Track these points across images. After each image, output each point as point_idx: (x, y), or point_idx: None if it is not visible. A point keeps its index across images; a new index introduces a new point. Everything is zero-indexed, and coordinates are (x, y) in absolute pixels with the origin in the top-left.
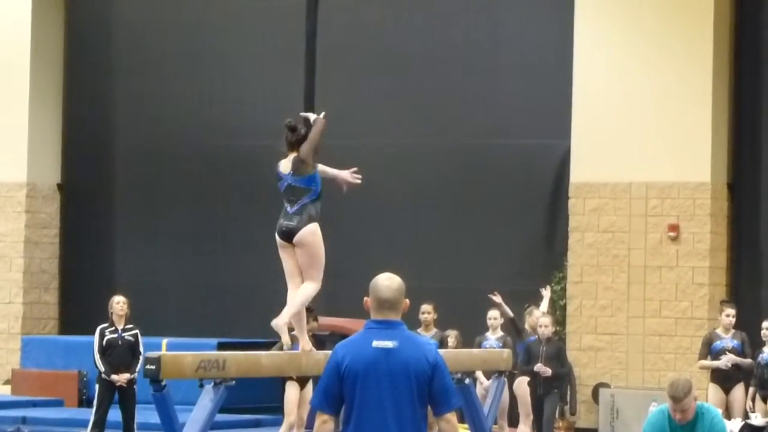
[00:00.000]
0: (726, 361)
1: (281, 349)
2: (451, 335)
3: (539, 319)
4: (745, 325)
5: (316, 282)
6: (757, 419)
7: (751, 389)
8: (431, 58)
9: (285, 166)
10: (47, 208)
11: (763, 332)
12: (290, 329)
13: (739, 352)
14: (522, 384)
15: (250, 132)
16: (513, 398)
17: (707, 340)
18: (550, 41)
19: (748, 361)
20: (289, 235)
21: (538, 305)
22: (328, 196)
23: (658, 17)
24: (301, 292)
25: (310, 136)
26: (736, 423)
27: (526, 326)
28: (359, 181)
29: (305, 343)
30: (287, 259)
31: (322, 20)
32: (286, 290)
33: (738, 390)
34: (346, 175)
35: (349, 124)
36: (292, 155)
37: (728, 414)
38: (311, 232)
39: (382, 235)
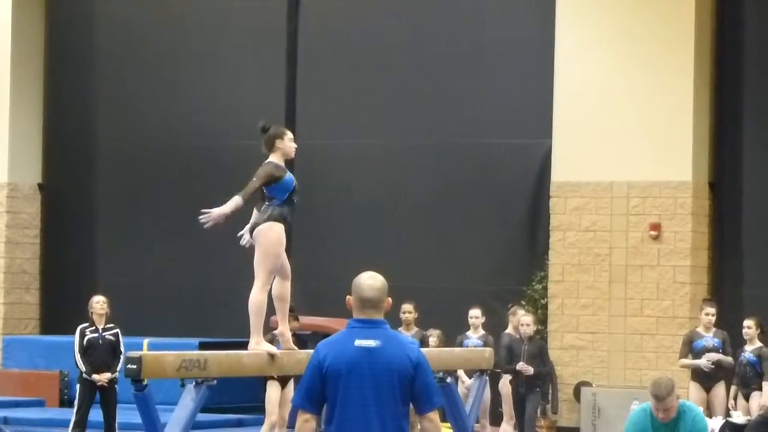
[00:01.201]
0: (707, 361)
1: (270, 341)
2: (434, 335)
3: (521, 317)
4: (727, 324)
5: (260, 282)
6: (738, 417)
7: (733, 388)
8: (413, 58)
9: None
10: (28, 209)
11: (744, 331)
12: (273, 328)
13: (720, 350)
14: (507, 383)
15: (231, 132)
16: (496, 397)
17: (688, 339)
18: (532, 41)
19: (729, 359)
20: (251, 232)
21: (521, 304)
22: (310, 194)
23: (639, 17)
24: (249, 300)
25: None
26: (717, 421)
27: (510, 327)
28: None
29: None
30: None
31: (305, 20)
32: None
33: (719, 388)
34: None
35: (331, 124)
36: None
37: (709, 412)
38: (267, 228)
39: (364, 234)
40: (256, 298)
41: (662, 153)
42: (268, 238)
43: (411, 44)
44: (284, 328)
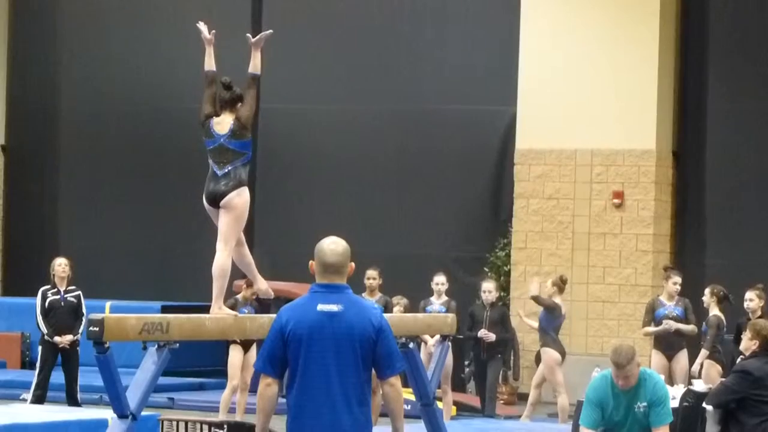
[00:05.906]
0: (666, 326)
1: (232, 307)
2: (400, 304)
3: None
4: (689, 292)
5: (230, 248)
6: (699, 386)
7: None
8: (378, 23)
9: (221, 126)
10: None
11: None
12: (236, 293)
13: (682, 319)
14: (551, 355)
15: (195, 95)
16: (456, 362)
17: (650, 307)
18: (498, 8)
19: (691, 327)
20: (216, 199)
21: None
22: (274, 159)
23: None
24: (215, 265)
25: (248, 100)
26: (679, 389)
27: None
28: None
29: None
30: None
31: None
32: None
33: (681, 356)
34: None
35: (296, 89)
36: (230, 116)
37: (671, 380)
38: (238, 194)
39: (328, 199)
40: (225, 262)
41: (626, 121)
42: (242, 203)
43: (376, 9)
44: (261, 284)
